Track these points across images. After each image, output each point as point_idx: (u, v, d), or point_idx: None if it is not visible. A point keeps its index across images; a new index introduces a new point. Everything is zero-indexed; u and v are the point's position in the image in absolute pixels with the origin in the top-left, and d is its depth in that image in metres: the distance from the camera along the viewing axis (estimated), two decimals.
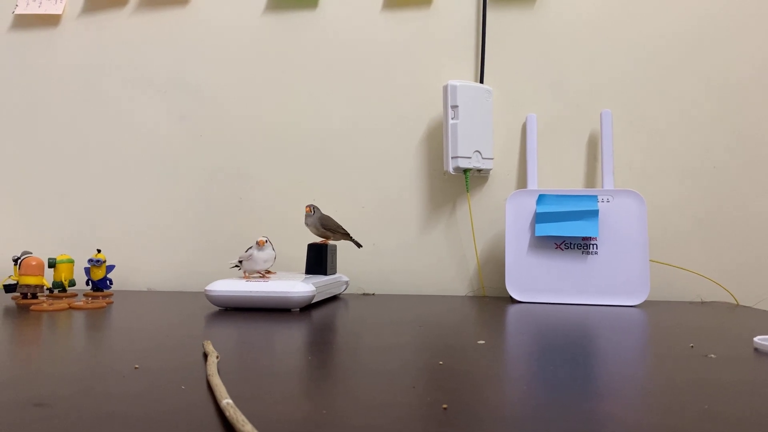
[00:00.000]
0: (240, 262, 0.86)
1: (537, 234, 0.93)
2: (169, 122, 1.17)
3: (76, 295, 0.96)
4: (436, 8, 1.10)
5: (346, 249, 1.08)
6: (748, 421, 0.32)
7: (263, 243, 0.84)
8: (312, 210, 0.93)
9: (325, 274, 0.92)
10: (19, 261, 0.89)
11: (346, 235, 0.95)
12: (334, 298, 0.95)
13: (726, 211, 1.01)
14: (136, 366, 0.45)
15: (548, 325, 0.68)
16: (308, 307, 0.83)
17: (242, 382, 0.40)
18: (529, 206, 0.96)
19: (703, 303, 0.95)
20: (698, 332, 0.63)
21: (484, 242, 1.07)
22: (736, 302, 0.98)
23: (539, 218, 0.94)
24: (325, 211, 1.09)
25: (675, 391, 0.38)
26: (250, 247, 0.85)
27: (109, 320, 0.70)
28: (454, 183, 1.08)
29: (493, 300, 0.96)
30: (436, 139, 1.09)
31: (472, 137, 1.01)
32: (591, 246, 0.93)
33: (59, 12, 1.20)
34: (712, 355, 0.50)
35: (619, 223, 0.93)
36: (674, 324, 0.70)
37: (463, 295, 1.06)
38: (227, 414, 0.31)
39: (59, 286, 0.94)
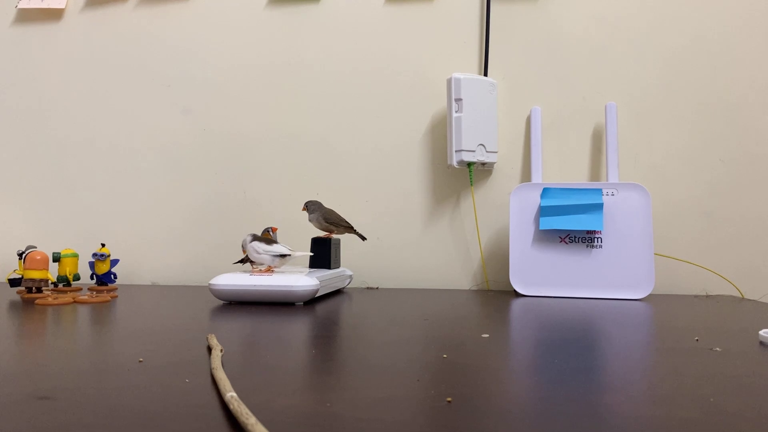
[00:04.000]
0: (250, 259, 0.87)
1: (541, 228, 0.93)
2: (173, 116, 1.17)
3: (80, 289, 0.96)
4: (440, 0, 1.09)
5: (350, 243, 1.08)
6: (754, 414, 0.32)
7: (245, 253, 0.85)
8: (306, 207, 0.93)
9: (329, 268, 0.92)
10: (23, 255, 0.89)
11: (350, 228, 0.95)
12: (338, 292, 0.95)
13: (731, 205, 1.01)
14: (141, 360, 0.45)
15: (552, 319, 0.67)
16: (312, 300, 0.83)
17: (246, 375, 0.40)
18: (533, 200, 0.96)
19: (708, 296, 0.95)
20: (703, 326, 0.63)
21: (488, 236, 1.06)
22: (741, 296, 0.98)
23: (543, 212, 0.93)
24: (328, 205, 1.09)
25: (680, 384, 0.38)
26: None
27: (113, 314, 0.70)
28: (458, 176, 1.08)
29: (497, 294, 0.96)
30: (440, 133, 1.08)
31: (476, 130, 1.00)
32: (595, 239, 0.93)
33: (62, 6, 1.20)
34: (718, 349, 0.50)
35: (623, 216, 0.92)
36: (679, 317, 0.69)
37: (467, 288, 1.06)
38: (231, 407, 0.31)
39: (64, 281, 0.94)
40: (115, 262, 0.97)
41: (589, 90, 1.04)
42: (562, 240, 0.94)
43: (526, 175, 1.06)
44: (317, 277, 0.81)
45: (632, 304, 0.83)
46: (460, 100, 0.99)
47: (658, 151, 1.02)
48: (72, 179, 1.20)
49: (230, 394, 0.33)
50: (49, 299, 0.79)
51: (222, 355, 0.45)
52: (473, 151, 1.00)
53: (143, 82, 1.18)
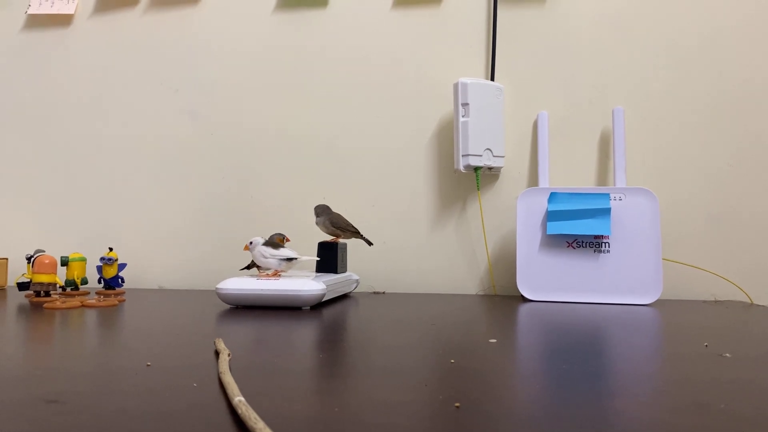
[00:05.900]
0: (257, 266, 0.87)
1: (548, 232, 0.92)
2: (181, 121, 1.17)
3: (88, 293, 0.96)
4: (446, 5, 1.09)
5: (356, 247, 1.08)
6: (765, 420, 0.32)
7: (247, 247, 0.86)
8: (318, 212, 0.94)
9: (336, 272, 0.92)
10: (32, 259, 0.90)
11: (357, 233, 0.95)
12: (344, 297, 0.95)
13: (740, 209, 1.00)
14: (148, 363, 0.45)
15: (560, 324, 0.67)
16: (319, 305, 0.83)
17: (254, 379, 0.40)
18: (540, 204, 0.95)
19: (716, 302, 0.94)
20: (712, 331, 0.63)
21: (495, 241, 1.06)
22: (750, 301, 0.97)
23: (551, 216, 0.93)
24: (335, 210, 1.09)
25: (690, 390, 0.38)
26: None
27: (121, 318, 0.70)
28: (465, 181, 1.08)
29: (504, 299, 0.96)
30: (447, 137, 1.08)
31: (483, 135, 1.00)
32: (603, 244, 0.92)
33: (71, 12, 1.21)
34: (727, 355, 0.50)
35: (631, 221, 0.92)
36: (688, 323, 0.69)
37: (474, 293, 1.05)
38: (239, 411, 0.31)
39: (72, 284, 0.95)
40: (122, 266, 0.98)
41: (596, 94, 1.04)
42: (570, 245, 0.93)
43: (533, 180, 1.06)
44: (324, 282, 0.81)
45: (640, 309, 0.83)
46: (467, 104, 0.99)
47: (666, 156, 1.02)
48: (80, 184, 1.21)
49: (238, 399, 0.33)
50: (58, 303, 0.80)
51: (229, 360, 0.45)
52: (480, 155, 1.00)
53: (151, 87, 1.19)
